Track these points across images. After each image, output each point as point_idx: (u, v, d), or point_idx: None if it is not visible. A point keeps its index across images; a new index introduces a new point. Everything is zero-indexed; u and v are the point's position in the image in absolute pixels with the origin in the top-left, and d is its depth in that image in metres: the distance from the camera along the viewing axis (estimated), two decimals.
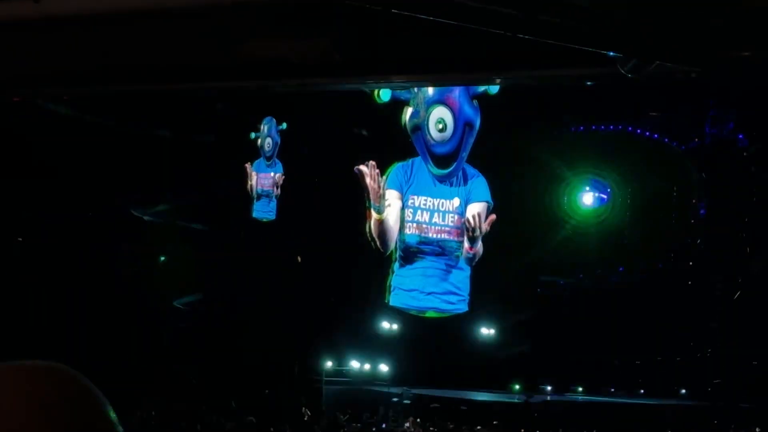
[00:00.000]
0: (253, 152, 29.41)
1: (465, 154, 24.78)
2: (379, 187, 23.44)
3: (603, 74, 5.56)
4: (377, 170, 23.59)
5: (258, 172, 29.58)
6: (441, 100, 24.79)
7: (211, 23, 5.02)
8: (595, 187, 28.16)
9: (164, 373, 26.02)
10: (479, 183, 24.69)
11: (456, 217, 24.73)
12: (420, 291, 24.90)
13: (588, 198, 28.20)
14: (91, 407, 1.99)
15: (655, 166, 28.15)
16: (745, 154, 27.78)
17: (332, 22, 5.12)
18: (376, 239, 25.25)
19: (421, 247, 25.43)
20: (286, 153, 28.88)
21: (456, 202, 24.99)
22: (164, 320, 28.03)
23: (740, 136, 27.86)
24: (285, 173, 28.88)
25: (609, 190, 28.15)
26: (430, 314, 24.05)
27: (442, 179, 24.97)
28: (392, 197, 25.94)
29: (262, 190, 29.52)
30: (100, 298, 26.29)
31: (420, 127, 25.19)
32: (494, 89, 23.75)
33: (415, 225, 25.69)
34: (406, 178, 25.73)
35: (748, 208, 28.15)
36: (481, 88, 23.92)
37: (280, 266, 28.38)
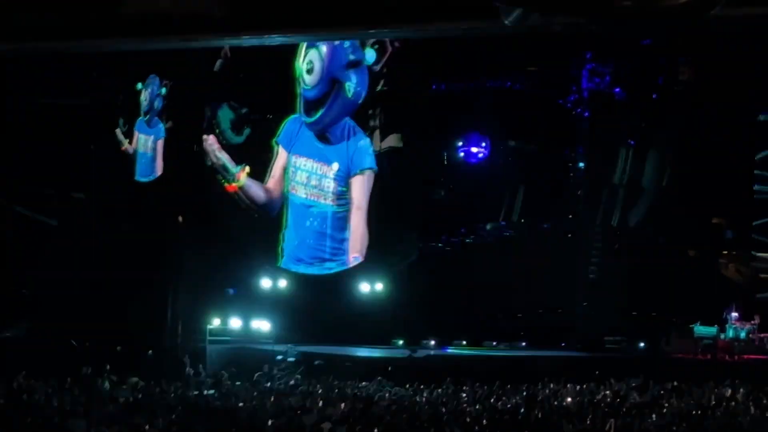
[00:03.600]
0: (135, 112, 29.45)
1: (334, 112, 25.37)
2: (217, 159, 25.47)
3: (484, 27, 5.54)
4: (211, 142, 25.93)
5: (139, 132, 29.50)
6: (316, 46, 25.33)
7: None
8: (473, 143, 28.57)
9: (42, 337, 25.88)
10: (363, 148, 24.74)
11: (333, 183, 24.84)
12: (299, 260, 25.08)
13: (466, 154, 28.74)
14: None
15: (534, 121, 28.41)
16: (622, 107, 28.24)
17: None
18: (251, 206, 25.51)
19: (301, 210, 25.57)
20: (170, 113, 28.86)
21: (335, 167, 25.08)
22: (43, 285, 27.69)
23: (617, 90, 28.19)
24: (168, 133, 28.88)
25: (486, 145, 28.62)
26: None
27: (320, 135, 25.01)
28: (280, 154, 26.30)
29: (143, 152, 29.26)
30: None
31: (296, 69, 25.79)
32: (370, 58, 24.65)
33: (295, 186, 25.91)
34: (293, 134, 25.96)
35: (626, 160, 28.56)
36: (354, 56, 24.87)
37: (162, 228, 28.00)
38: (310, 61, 25.74)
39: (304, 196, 25.81)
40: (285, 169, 26.15)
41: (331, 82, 25.42)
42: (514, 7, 4.32)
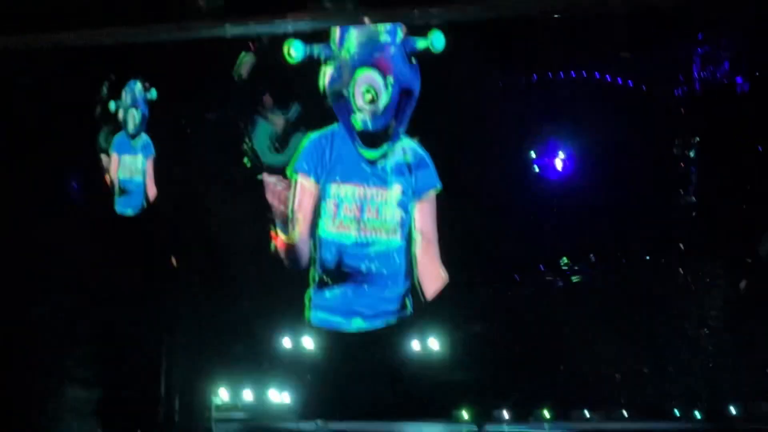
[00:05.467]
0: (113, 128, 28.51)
1: (402, 129, 23.37)
2: (285, 207, 22.88)
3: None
4: (282, 186, 23.09)
5: (120, 153, 28.55)
6: (370, 62, 23.05)
7: None
8: (554, 154, 27.87)
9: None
10: (425, 161, 23.43)
11: (397, 211, 23.03)
12: (354, 313, 23.62)
13: (545, 167, 27.99)
14: None
15: (631, 123, 27.09)
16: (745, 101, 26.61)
17: None
18: (286, 260, 23.79)
19: (354, 252, 23.45)
20: (158, 127, 28.03)
21: (397, 189, 23.11)
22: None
23: (739, 80, 26.79)
24: (157, 154, 28.14)
25: (573, 156, 27.74)
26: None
27: (373, 160, 23.47)
28: (305, 188, 23.80)
29: (127, 179, 28.49)
30: None
31: (343, 96, 23.39)
32: (439, 44, 22.57)
33: (342, 223, 23.86)
34: (324, 159, 24.00)
35: (751, 173, 26.81)
36: (422, 45, 22.68)
37: (152, 273, 27.59)
38: (369, 88, 23.92)
39: (356, 234, 23.88)
40: (318, 206, 23.98)
41: (399, 98, 23.54)
42: None
